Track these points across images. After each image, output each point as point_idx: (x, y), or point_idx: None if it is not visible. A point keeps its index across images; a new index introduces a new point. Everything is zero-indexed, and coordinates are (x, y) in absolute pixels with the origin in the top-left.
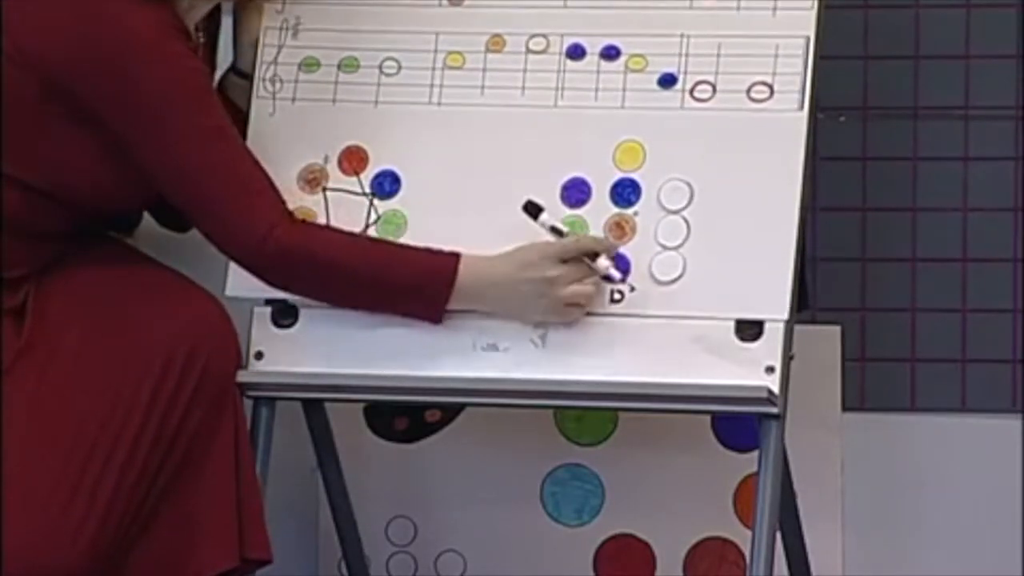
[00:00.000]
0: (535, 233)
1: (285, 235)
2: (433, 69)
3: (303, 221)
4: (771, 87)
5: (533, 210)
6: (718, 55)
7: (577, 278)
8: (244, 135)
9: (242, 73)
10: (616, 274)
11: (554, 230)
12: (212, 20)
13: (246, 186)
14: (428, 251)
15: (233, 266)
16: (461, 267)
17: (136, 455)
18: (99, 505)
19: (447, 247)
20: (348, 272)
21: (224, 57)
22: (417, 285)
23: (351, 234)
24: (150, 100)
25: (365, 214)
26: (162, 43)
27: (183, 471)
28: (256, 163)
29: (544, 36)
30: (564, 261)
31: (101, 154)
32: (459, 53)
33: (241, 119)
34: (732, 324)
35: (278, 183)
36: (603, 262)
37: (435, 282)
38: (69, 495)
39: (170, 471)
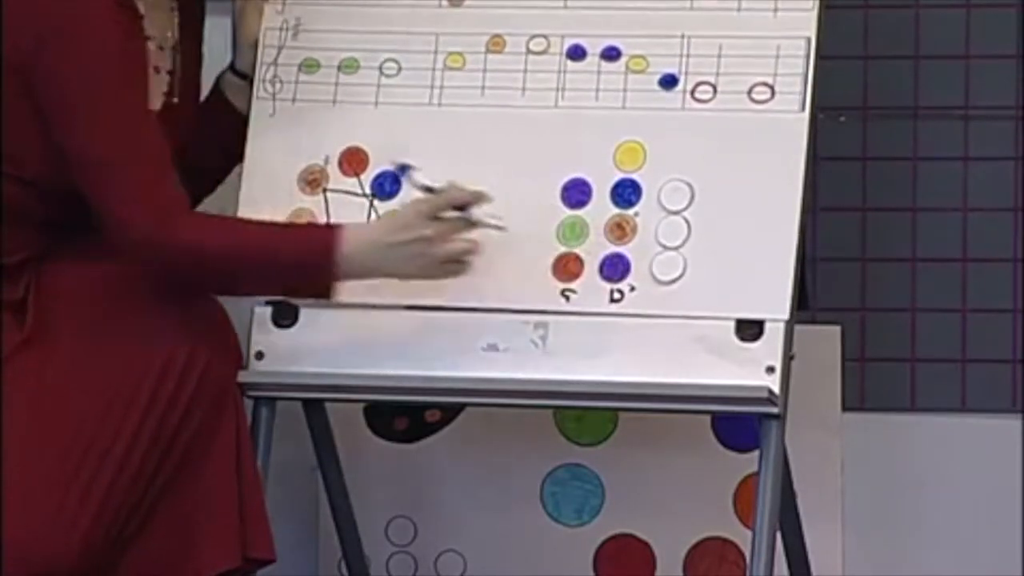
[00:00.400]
0: (537, 232)
1: (172, 232)
2: (433, 70)
3: (191, 213)
4: (772, 88)
5: (403, 170)
6: (719, 56)
7: (454, 234)
8: (243, 136)
9: (241, 73)
10: (490, 220)
11: (426, 188)
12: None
13: (141, 178)
14: (309, 226)
15: None
16: (343, 236)
17: (133, 453)
18: (94, 500)
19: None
20: (238, 261)
21: (223, 57)
22: (304, 261)
23: (234, 220)
24: (58, 73)
25: (365, 215)
26: (86, 19)
27: (182, 471)
28: (161, 156)
29: (544, 37)
30: (439, 218)
31: (42, 131)
32: (459, 54)
33: (238, 119)
34: (732, 324)
35: (278, 184)
36: (475, 212)
37: (320, 254)
38: (64, 488)
39: (169, 471)
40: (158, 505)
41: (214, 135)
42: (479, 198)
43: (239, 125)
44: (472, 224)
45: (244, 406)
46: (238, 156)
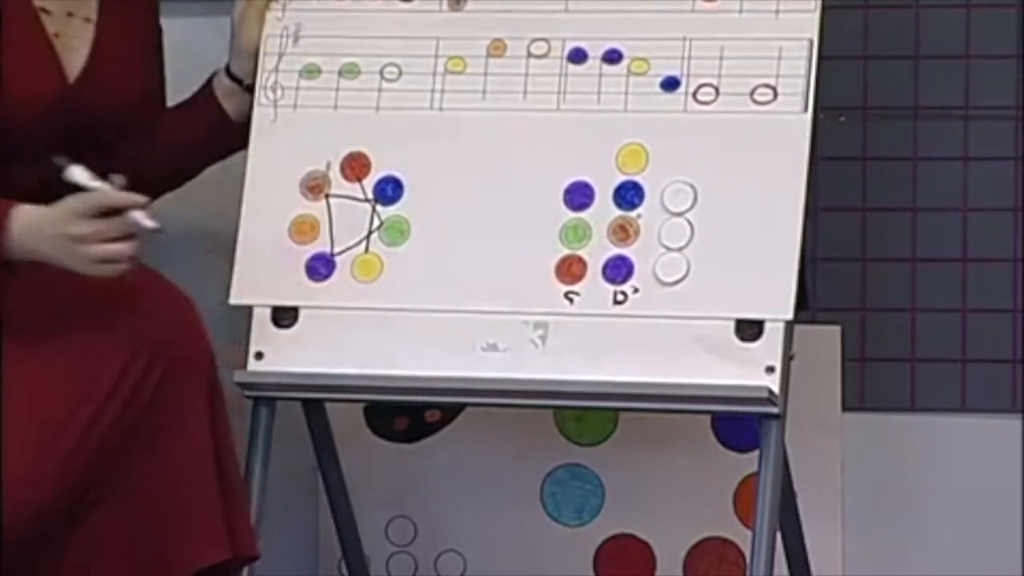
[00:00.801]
0: (540, 235)
1: None
2: (434, 74)
3: None
4: (774, 89)
5: (62, 166)
6: (721, 58)
7: (110, 234)
8: (225, 137)
9: (235, 77)
10: (148, 223)
11: (79, 186)
12: None
13: None
14: None
15: (237, 273)
16: (14, 215)
17: (101, 419)
18: (68, 439)
19: (452, 251)
20: None
21: (220, 58)
22: None
23: None
24: None
25: (368, 220)
26: None
27: (152, 459)
28: None
29: (545, 40)
30: (95, 216)
31: None
32: (460, 58)
33: (225, 121)
34: (732, 324)
35: (281, 190)
36: (132, 216)
37: None
38: (39, 425)
39: (137, 447)
40: (128, 482)
41: (194, 132)
42: (133, 203)
43: (224, 127)
44: (129, 227)
45: (224, 405)
46: (216, 157)
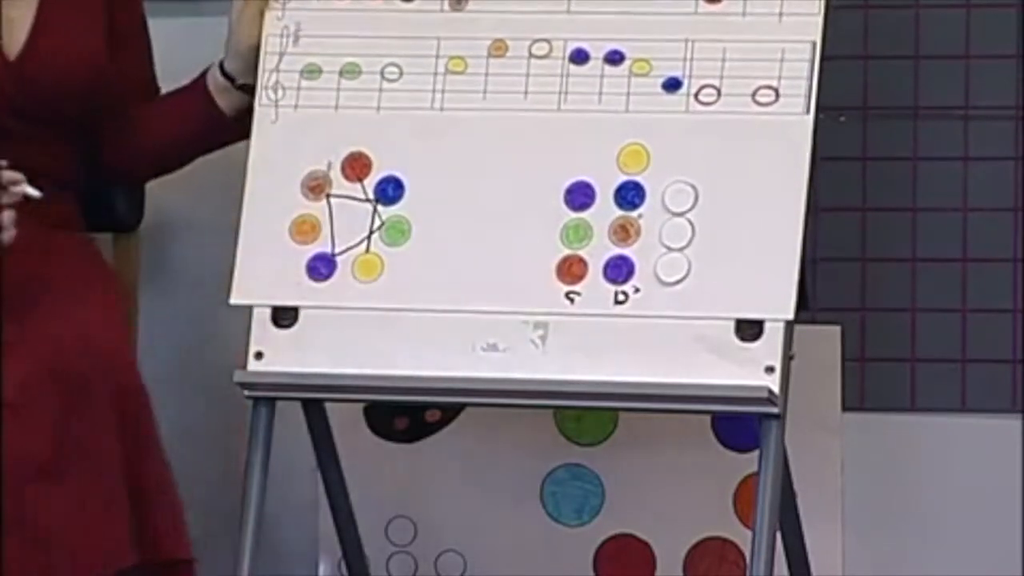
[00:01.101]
0: (541, 235)
1: None
2: (435, 74)
3: None
4: (776, 91)
5: None
6: (723, 60)
7: None
8: (218, 132)
9: (228, 75)
10: (34, 192)
11: None
12: None
13: None
14: None
15: (238, 273)
16: None
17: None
18: None
19: (452, 251)
20: None
21: (213, 57)
22: None
23: None
24: None
25: (369, 220)
26: None
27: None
28: None
29: (547, 41)
30: None
31: None
32: (461, 58)
33: (219, 118)
34: (732, 324)
35: (282, 190)
36: (19, 187)
37: None
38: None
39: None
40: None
41: (187, 123)
42: (15, 178)
43: (216, 121)
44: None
45: (143, 406)
46: (209, 148)
